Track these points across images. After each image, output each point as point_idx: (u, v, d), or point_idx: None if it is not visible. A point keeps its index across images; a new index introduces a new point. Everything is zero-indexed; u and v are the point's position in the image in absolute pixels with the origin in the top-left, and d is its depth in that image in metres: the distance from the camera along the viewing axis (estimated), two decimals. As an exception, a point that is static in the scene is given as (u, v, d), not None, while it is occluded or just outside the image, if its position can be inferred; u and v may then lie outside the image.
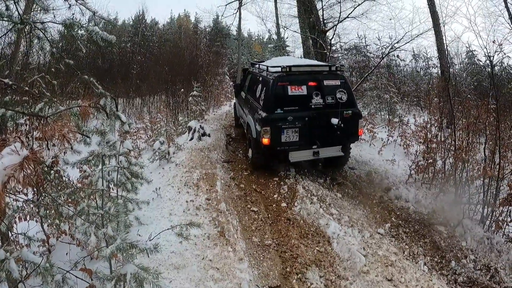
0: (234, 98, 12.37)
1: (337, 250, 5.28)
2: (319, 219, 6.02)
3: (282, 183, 7.43)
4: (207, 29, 35.63)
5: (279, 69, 7.67)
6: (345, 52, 18.70)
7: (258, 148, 7.83)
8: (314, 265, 4.96)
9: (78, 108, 2.17)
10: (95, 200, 4.65)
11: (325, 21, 14.21)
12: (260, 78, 8.57)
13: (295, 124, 7.36)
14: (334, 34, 14.13)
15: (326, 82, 7.67)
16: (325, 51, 13.43)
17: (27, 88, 2.98)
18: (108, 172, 4.49)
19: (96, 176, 4.29)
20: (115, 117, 3.85)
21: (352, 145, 8.51)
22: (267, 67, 8.31)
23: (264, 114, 7.42)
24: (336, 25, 13.58)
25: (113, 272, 3.38)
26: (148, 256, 3.55)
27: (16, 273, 2.75)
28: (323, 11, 13.79)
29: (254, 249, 5.33)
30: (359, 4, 13.35)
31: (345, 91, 7.68)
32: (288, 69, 7.56)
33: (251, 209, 6.51)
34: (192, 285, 4.17)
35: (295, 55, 27.60)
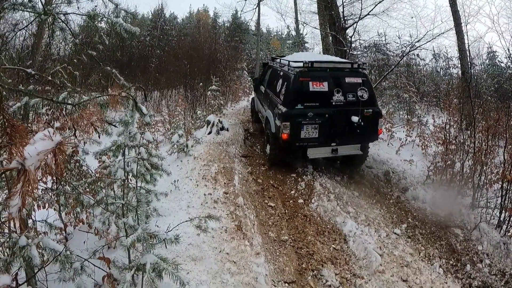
0: (253, 92, 12.40)
1: (353, 249, 5.31)
2: (336, 217, 6.07)
3: (299, 179, 7.47)
4: (226, 24, 35.71)
5: (301, 64, 7.62)
6: (365, 49, 18.57)
7: (277, 143, 7.81)
8: (330, 263, 5.01)
9: (107, 97, 2.19)
10: (113, 191, 4.75)
11: (345, 18, 14.12)
12: (281, 73, 8.54)
13: (315, 120, 7.33)
14: (354, 31, 14.01)
15: (347, 80, 7.64)
16: (345, 48, 13.37)
17: (49, 78, 3.04)
18: (128, 163, 4.57)
19: (116, 166, 4.35)
20: (136, 108, 3.92)
21: (370, 144, 8.45)
22: (289, 61, 8.25)
23: (284, 109, 7.40)
24: (356, 22, 13.46)
25: (132, 262, 3.45)
26: (166, 247, 3.62)
27: (37, 259, 2.78)
28: (343, 7, 13.69)
29: (271, 244, 5.38)
30: (380, 1, 13.23)
31: (366, 90, 7.63)
32: (310, 65, 7.56)
33: (268, 204, 6.57)
34: (209, 277, 4.23)
35: (314, 52, 27.54)
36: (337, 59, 9.09)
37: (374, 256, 5.00)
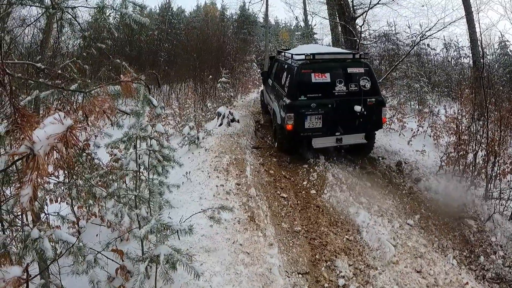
0: (262, 85, 12.52)
1: (366, 239, 5.30)
2: (349, 208, 6.06)
3: (311, 170, 7.47)
4: (233, 17, 35.57)
5: (303, 56, 7.89)
6: (374, 39, 18.40)
7: (283, 133, 7.98)
8: (343, 254, 5.01)
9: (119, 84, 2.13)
10: (124, 183, 4.77)
11: (354, 7, 13.99)
12: (286, 66, 8.77)
13: (319, 111, 7.54)
14: (364, 21, 13.85)
15: (349, 70, 7.82)
16: (355, 38, 13.26)
17: (59, 72, 3.04)
18: (139, 155, 4.59)
19: (127, 158, 4.37)
20: (147, 101, 3.93)
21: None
22: (292, 54, 8.49)
23: (288, 101, 7.64)
24: (366, 11, 13.33)
25: (145, 253, 3.47)
26: (179, 239, 3.64)
27: (50, 252, 2.76)
28: (353, -4, 13.60)
29: (284, 235, 5.40)
30: None
31: (368, 79, 7.79)
32: (312, 57, 7.82)
33: (280, 195, 6.58)
34: (222, 268, 4.24)
35: (323, 43, 27.32)
36: (339, 50, 9.45)
37: (387, 247, 4.98)
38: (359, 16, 13.89)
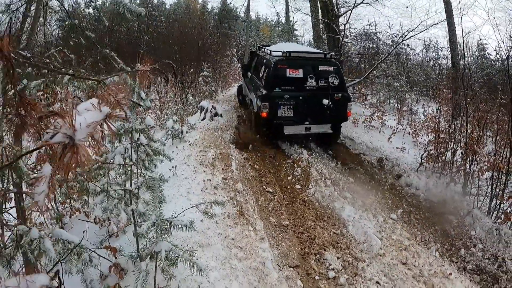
0: (242, 78, 12.91)
1: (352, 233, 5.41)
2: (334, 202, 6.17)
3: (295, 165, 7.54)
4: (214, 10, 35.37)
5: (280, 53, 8.78)
6: (356, 38, 18.60)
7: (258, 120, 8.81)
8: (331, 247, 5.09)
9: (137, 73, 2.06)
10: (108, 177, 4.69)
11: (338, 5, 14.10)
12: (264, 60, 9.58)
13: (290, 102, 8.43)
14: (348, 19, 14.00)
15: (320, 68, 8.75)
16: (338, 36, 13.38)
17: (48, 61, 2.98)
18: (125, 149, 4.53)
19: (114, 152, 4.30)
20: (134, 93, 3.89)
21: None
22: (270, 51, 9.40)
23: (264, 92, 8.48)
24: (351, 10, 13.46)
25: (144, 250, 3.44)
26: (172, 234, 3.60)
27: (52, 253, 2.63)
28: (337, -5, 13.70)
29: (272, 229, 5.44)
30: None
31: (337, 77, 8.72)
32: (288, 54, 8.68)
33: (266, 190, 6.62)
34: (218, 263, 4.24)
35: (304, 40, 27.45)
36: (313, 50, 10.58)
37: (374, 240, 5.11)
38: (343, 14, 14.00)
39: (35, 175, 3.26)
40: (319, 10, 15.26)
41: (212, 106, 9.93)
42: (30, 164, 4.30)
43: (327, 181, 6.84)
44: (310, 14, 17.32)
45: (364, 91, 13.83)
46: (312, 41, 20.48)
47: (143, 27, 23.56)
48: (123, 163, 4.15)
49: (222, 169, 6.84)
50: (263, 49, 10.69)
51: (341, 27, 13.64)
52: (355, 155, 8.65)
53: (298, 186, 6.80)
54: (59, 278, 1.84)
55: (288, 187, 6.85)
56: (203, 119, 9.76)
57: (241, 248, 4.61)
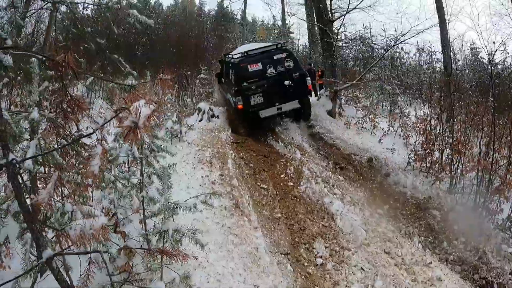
0: (217, 84, 14.31)
1: (340, 225, 5.78)
2: (324, 198, 6.53)
3: (288, 164, 7.91)
4: (211, 13, 35.68)
5: (240, 55, 10.58)
6: (350, 41, 18.90)
7: (237, 112, 10.14)
8: (320, 237, 5.48)
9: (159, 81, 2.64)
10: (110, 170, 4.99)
11: (332, 10, 14.37)
12: (230, 64, 11.10)
13: (258, 90, 9.89)
14: (341, 24, 14.30)
15: (275, 57, 10.34)
16: (332, 41, 13.67)
17: (64, 64, 3.33)
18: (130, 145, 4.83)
19: (121, 148, 4.63)
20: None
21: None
22: (232, 55, 11.27)
23: (235, 88, 10.00)
24: (344, 15, 13.75)
25: (154, 229, 3.80)
26: (173, 220, 3.97)
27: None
28: (331, 0, 13.96)
29: (265, 221, 5.84)
30: None
31: (291, 60, 10.41)
32: (246, 54, 10.49)
33: (260, 186, 7.01)
34: (216, 247, 4.68)
35: (300, 43, 27.80)
36: (266, 44, 12.02)
37: (359, 231, 5.49)
38: (337, 19, 14.27)
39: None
40: (314, 15, 15.56)
41: (209, 107, 10.30)
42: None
43: (318, 178, 7.19)
44: (305, 18, 17.66)
45: (357, 94, 14.12)
46: (308, 44, 20.82)
47: (140, 29, 23.76)
48: (142, 156, 4.49)
49: (219, 166, 7.21)
50: (228, 56, 12.19)
51: (335, 31, 13.92)
52: (346, 155, 8.98)
53: (291, 183, 7.16)
54: (116, 219, 2.39)
55: (281, 184, 7.21)
56: (201, 120, 10.11)
57: (236, 235, 5.02)
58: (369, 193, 7.19)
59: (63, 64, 2.05)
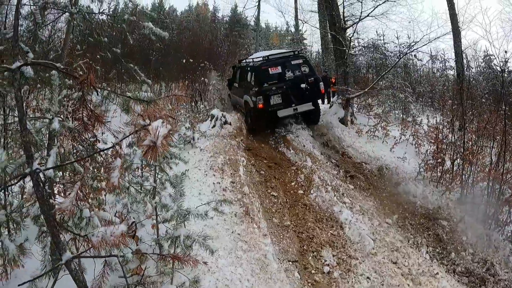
0: (228, 90, 14.81)
1: (348, 234, 5.88)
2: (333, 206, 6.63)
3: (299, 172, 8.02)
4: (225, 18, 35.91)
5: (261, 58, 11.41)
6: (363, 48, 18.88)
7: (255, 112, 10.85)
8: (328, 246, 5.58)
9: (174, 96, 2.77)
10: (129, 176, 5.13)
11: (345, 18, 14.42)
12: (249, 68, 11.94)
13: (277, 91, 10.67)
14: (354, 31, 14.35)
15: (293, 62, 11.30)
16: (344, 48, 13.70)
17: (80, 73, 3.49)
18: (141, 151, 4.95)
19: (135, 154, 4.78)
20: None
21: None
22: (253, 59, 12.08)
23: (257, 89, 10.76)
24: (356, 23, 13.82)
25: (166, 235, 3.94)
26: (185, 226, 4.12)
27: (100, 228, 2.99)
28: (343, 8, 14.00)
29: (275, 228, 5.96)
30: (379, 4, 13.57)
31: (307, 66, 11.35)
32: (267, 57, 11.37)
33: (271, 193, 7.14)
34: (225, 253, 4.81)
35: (313, 49, 27.88)
36: (285, 50, 13.20)
37: (367, 240, 5.57)
38: (349, 27, 14.32)
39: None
40: (327, 22, 15.62)
41: (222, 114, 10.42)
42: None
43: (328, 187, 7.29)
44: (318, 25, 17.74)
45: (370, 101, 14.09)
46: (320, 51, 20.87)
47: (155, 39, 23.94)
48: (156, 164, 4.64)
49: (231, 173, 7.32)
50: (244, 61, 13.19)
51: (348, 39, 13.95)
52: (357, 164, 9.04)
53: (301, 191, 7.26)
54: (135, 227, 2.54)
55: (291, 191, 7.32)
56: (213, 126, 10.22)
57: (246, 242, 5.15)
58: (379, 202, 7.25)
59: (85, 81, 2.17)
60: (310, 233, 5.88)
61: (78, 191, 2.28)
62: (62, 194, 4.00)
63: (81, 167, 3.67)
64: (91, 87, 2.22)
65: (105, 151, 4.02)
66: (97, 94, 2.73)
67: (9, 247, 2.67)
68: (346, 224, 6.08)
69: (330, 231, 5.96)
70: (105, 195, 5.48)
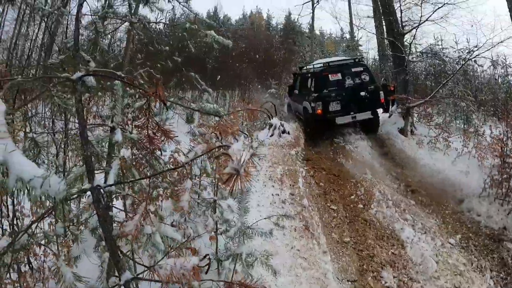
0: (288, 97, 15.12)
1: (410, 254, 5.77)
2: (394, 223, 6.54)
3: (358, 185, 7.98)
4: (279, 26, 36.08)
5: (321, 65, 11.84)
6: (422, 55, 18.34)
7: (314, 118, 11.04)
8: (389, 266, 5.51)
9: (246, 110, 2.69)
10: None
11: (403, 23, 14.13)
12: (309, 74, 12.27)
13: (337, 98, 10.83)
14: (414, 37, 14.00)
15: (353, 69, 11.44)
16: (403, 55, 13.41)
17: (141, 81, 3.63)
18: (201, 161, 5.10)
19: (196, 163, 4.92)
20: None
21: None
22: (313, 65, 12.44)
23: (316, 94, 11.00)
24: (416, 28, 13.49)
25: (228, 251, 4.04)
26: (243, 243, 4.19)
27: (162, 246, 3.01)
28: (401, 12, 13.73)
29: (334, 244, 5.96)
30: (439, 7, 13.19)
31: (367, 74, 11.43)
32: (327, 64, 11.70)
33: (330, 207, 7.15)
34: (284, 270, 4.80)
35: (369, 56, 27.43)
36: (345, 57, 13.62)
37: (430, 262, 5.44)
38: (408, 32, 14.01)
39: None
40: (384, 28, 15.37)
41: (281, 123, 10.49)
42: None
43: (389, 202, 7.20)
44: (374, 30, 17.47)
45: (430, 110, 13.69)
46: (378, 57, 20.49)
47: (210, 42, 24.50)
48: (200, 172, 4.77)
49: (290, 185, 7.39)
50: (305, 68, 13.67)
51: (406, 46, 13.64)
52: (418, 177, 8.85)
53: (361, 206, 7.22)
54: (208, 260, 2.47)
55: (351, 205, 7.29)
56: (271, 135, 10.25)
57: (305, 259, 5.17)
58: (441, 220, 7.06)
59: (153, 94, 2.09)
60: (370, 251, 5.83)
61: (143, 213, 2.22)
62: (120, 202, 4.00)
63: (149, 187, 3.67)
64: (161, 101, 2.12)
65: (177, 169, 4.18)
66: (166, 108, 2.61)
67: (66, 274, 2.51)
68: (407, 243, 5.98)
69: (391, 250, 5.89)
70: (161, 201, 5.69)
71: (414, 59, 16.25)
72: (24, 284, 3.63)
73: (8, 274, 3.31)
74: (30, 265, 3.79)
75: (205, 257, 2.42)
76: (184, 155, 4.65)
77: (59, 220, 3.33)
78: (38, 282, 3.75)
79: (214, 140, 4.46)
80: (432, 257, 5.59)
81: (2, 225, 4.09)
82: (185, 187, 2.26)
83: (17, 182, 1.36)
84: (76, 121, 2.39)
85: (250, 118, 2.85)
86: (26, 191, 1.44)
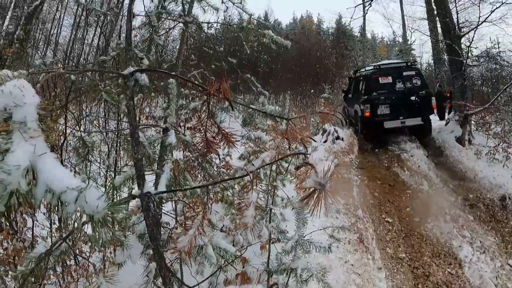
0: (343, 102, 15.40)
1: (468, 275, 5.56)
2: (452, 240, 6.35)
3: (414, 196, 7.85)
4: (330, 30, 35.88)
5: (372, 67, 11.89)
6: (478, 59, 17.54)
7: (362, 120, 11.25)
8: (445, 287, 5.34)
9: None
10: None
11: (459, 25, 13.58)
12: (361, 78, 12.40)
13: (386, 101, 10.85)
14: (472, 40, 13.41)
15: (404, 73, 11.38)
16: (461, 59, 12.89)
17: (196, 82, 3.64)
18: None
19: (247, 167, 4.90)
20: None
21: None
22: (365, 68, 12.83)
23: (365, 97, 11.13)
24: (474, 30, 12.92)
25: (282, 265, 4.01)
26: (299, 257, 4.12)
27: (214, 259, 2.93)
28: (457, 13, 13.19)
29: (388, 260, 5.85)
30: (497, 7, 12.59)
31: (419, 78, 11.38)
32: (378, 67, 11.73)
33: (385, 219, 7.04)
34: (338, 286, 4.73)
35: (423, 60, 26.71)
36: (397, 60, 13.99)
37: (489, 285, 5.23)
38: (465, 34, 13.44)
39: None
40: (439, 30, 14.85)
41: (334, 129, 10.47)
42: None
43: (446, 216, 7.01)
44: (428, 33, 16.90)
45: (487, 118, 13.12)
46: (432, 62, 19.88)
47: (262, 46, 24.77)
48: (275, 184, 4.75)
49: (344, 193, 7.29)
50: (358, 71, 13.86)
51: (464, 49, 13.09)
52: (477, 191, 8.52)
53: (417, 219, 7.06)
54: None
55: (406, 218, 7.15)
56: (325, 141, 10.31)
57: (359, 275, 5.09)
58: (500, 238, 6.75)
59: (215, 93, 1.89)
60: (426, 269, 5.68)
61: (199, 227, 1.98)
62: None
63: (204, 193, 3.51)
64: (226, 100, 1.91)
65: (243, 177, 4.15)
66: (231, 108, 2.28)
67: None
68: (465, 263, 5.78)
69: (448, 269, 5.71)
70: (210, 205, 5.66)
71: (474, 63, 15.62)
72: (68, 277, 3.71)
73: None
74: (77, 260, 3.80)
75: (272, 286, 2.34)
76: (250, 161, 4.52)
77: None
78: (81, 278, 3.78)
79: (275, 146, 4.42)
80: (492, 280, 5.39)
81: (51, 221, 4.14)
82: (250, 200, 1.83)
83: (46, 194, 1.14)
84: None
85: (324, 122, 2.84)
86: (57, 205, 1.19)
